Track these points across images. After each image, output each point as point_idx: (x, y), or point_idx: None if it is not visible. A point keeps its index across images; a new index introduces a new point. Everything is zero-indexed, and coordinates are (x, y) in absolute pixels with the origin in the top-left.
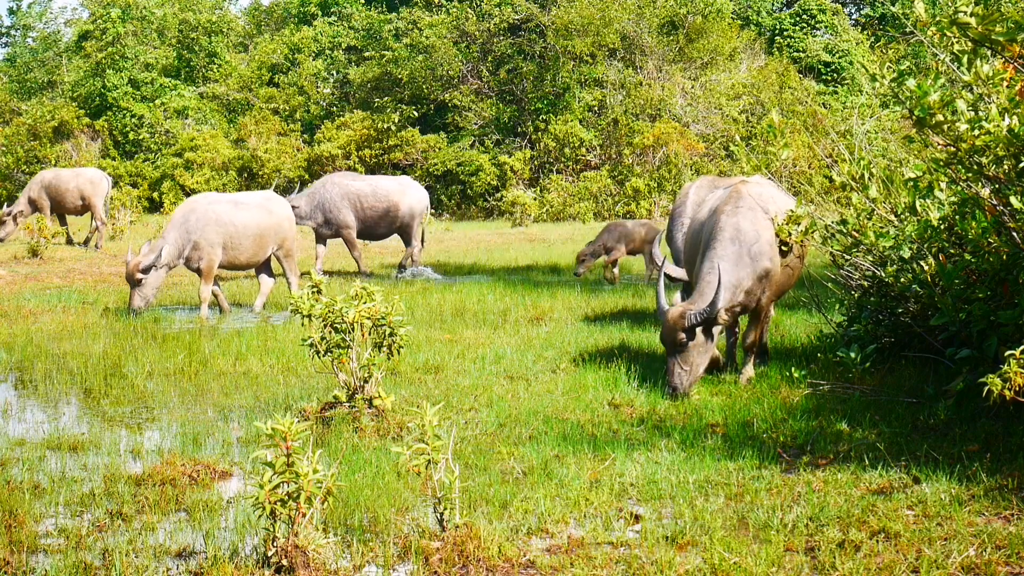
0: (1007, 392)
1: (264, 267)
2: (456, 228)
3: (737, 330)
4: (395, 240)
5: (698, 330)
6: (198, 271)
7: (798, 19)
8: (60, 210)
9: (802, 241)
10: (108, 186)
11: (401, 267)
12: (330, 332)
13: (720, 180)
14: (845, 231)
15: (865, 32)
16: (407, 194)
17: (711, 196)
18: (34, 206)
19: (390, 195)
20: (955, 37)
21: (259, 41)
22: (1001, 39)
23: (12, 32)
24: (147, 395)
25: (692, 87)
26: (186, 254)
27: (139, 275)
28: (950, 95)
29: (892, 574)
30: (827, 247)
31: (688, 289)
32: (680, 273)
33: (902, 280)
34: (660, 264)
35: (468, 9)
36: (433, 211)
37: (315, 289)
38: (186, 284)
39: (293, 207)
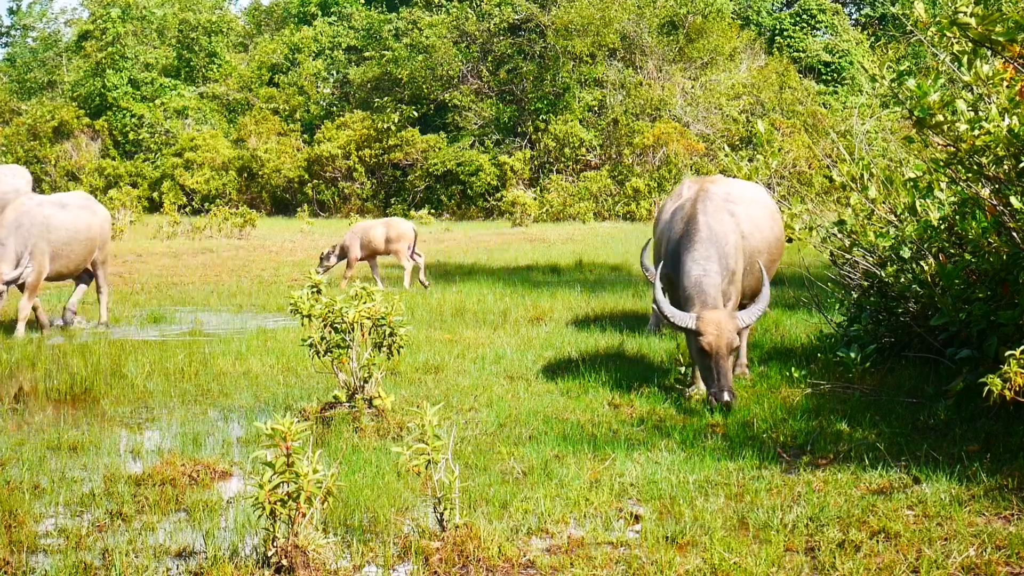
0: (1007, 392)
1: (83, 274)
2: (456, 228)
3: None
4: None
5: None
6: (21, 283)
7: (798, 19)
8: None
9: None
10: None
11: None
12: (330, 332)
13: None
14: (843, 232)
15: (865, 32)
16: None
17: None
18: None
19: None
20: (955, 37)
21: (259, 41)
22: (1001, 39)
23: (12, 32)
24: (147, 395)
25: (692, 87)
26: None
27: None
28: (950, 95)
29: (892, 574)
30: (826, 247)
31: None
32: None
33: (902, 280)
34: (653, 271)
35: (468, 9)
36: (433, 211)
37: (315, 289)
38: (186, 284)
39: None
